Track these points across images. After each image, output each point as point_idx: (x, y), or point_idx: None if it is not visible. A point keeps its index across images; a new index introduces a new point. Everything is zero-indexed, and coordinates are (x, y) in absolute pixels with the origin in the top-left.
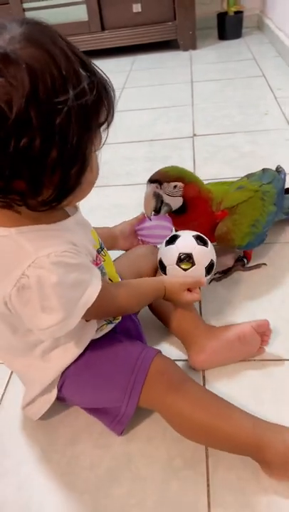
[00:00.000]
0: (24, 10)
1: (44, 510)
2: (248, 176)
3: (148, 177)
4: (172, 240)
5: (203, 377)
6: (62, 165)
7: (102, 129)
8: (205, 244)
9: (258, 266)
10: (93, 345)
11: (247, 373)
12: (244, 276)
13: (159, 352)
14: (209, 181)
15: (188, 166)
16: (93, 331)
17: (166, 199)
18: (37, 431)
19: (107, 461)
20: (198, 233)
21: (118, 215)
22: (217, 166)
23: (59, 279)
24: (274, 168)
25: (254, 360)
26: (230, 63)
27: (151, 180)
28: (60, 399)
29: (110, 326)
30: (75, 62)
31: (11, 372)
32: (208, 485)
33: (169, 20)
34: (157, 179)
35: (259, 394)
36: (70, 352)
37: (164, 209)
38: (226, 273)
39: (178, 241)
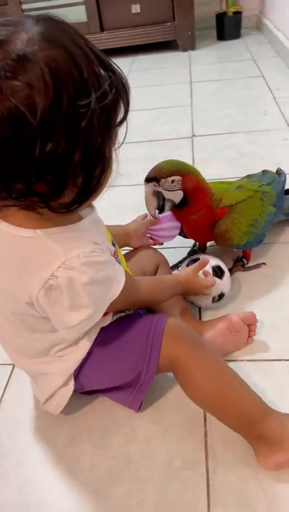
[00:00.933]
0: (23, 11)
1: (44, 511)
2: (248, 177)
3: None
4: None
5: None
6: (86, 167)
7: (117, 129)
8: (220, 276)
9: (257, 266)
10: (104, 328)
11: (247, 373)
12: (244, 276)
13: (171, 316)
14: (209, 181)
15: None
16: (108, 322)
17: (167, 195)
18: (37, 432)
19: (106, 461)
20: (219, 263)
21: (118, 216)
22: (216, 166)
23: (90, 278)
24: (274, 170)
25: (254, 360)
26: (229, 64)
27: (148, 179)
28: (76, 389)
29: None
30: (95, 62)
31: (10, 374)
32: (208, 485)
33: (168, 21)
34: (154, 177)
35: (259, 393)
36: (85, 344)
37: (167, 205)
38: None
39: (181, 267)
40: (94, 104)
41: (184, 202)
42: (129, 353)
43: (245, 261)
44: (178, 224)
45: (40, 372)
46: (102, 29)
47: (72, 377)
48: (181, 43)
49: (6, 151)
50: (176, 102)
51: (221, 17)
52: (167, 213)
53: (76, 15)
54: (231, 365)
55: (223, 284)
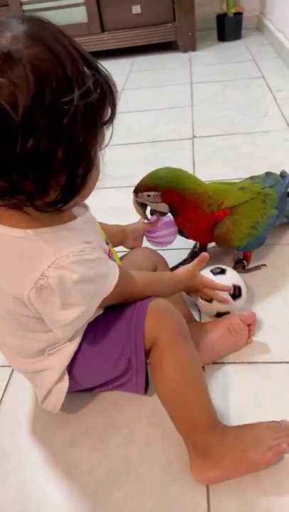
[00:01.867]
0: (24, 12)
1: None
2: (252, 178)
3: None
4: None
5: None
6: (69, 165)
7: (105, 127)
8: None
9: (257, 267)
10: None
11: (247, 375)
12: (244, 278)
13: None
14: (211, 182)
15: (187, 167)
16: (101, 312)
17: (152, 206)
18: (36, 433)
19: (105, 463)
20: (241, 284)
21: (117, 217)
22: (217, 167)
23: (80, 276)
24: (274, 171)
25: (254, 362)
26: (230, 64)
27: (133, 190)
28: (74, 387)
29: None
30: (79, 60)
31: (10, 375)
32: (207, 488)
33: (169, 22)
34: (134, 189)
35: (259, 396)
36: (78, 335)
37: (156, 214)
38: None
39: None
40: (77, 101)
41: (173, 212)
42: (116, 340)
43: (245, 263)
44: (175, 230)
45: (37, 370)
46: (102, 30)
47: (66, 372)
48: (182, 43)
49: None
50: (176, 103)
51: (221, 18)
52: (167, 219)
53: (77, 16)
54: (231, 367)
55: (234, 305)
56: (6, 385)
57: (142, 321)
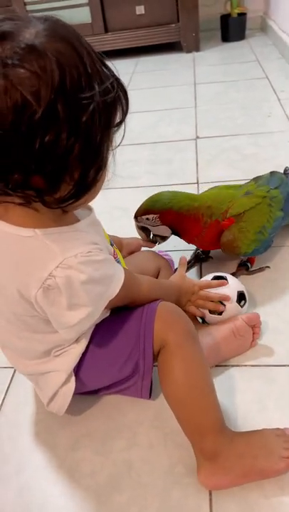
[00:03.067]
0: (27, 12)
1: None
2: (256, 180)
3: (151, 179)
4: None
5: None
6: (84, 162)
7: (115, 129)
8: (239, 302)
9: (261, 269)
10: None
11: (251, 378)
12: (247, 280)
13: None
14: (213, 183)
15: (191, 168)
16: (108, 314)
17: (153, 230)
18: (37, 437)
19: (107, 467)
20: (244, 290)
21: (120, 218)
22: (220, 168)
23: (88, 276)
24: (282, 171)
25: (259, 365)
26: (234, 65)
27: (134, 215)
28: (80, 389)
29: None
30: (98, 61)
31: (12, 377)
32: (210, 492)
33: (172, 22)
34: (134, 214)
35: (263, 399)
36: (85, 337)
37: (158, 239)
38: None
39: None
40: (97, 97)
41: (176, 233)
42: (124, 343)
43: (249, 265)
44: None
45: (42, 371)
46: (106, 30)
47: (73, 374)
48: (186, 44)
49: (7, 138)
50: (180, 104)
51: (225, 18)
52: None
53: (80, 16)
54: (235, 369)
55: (240, 310)
56: (8, 387)
57: (151, 323)
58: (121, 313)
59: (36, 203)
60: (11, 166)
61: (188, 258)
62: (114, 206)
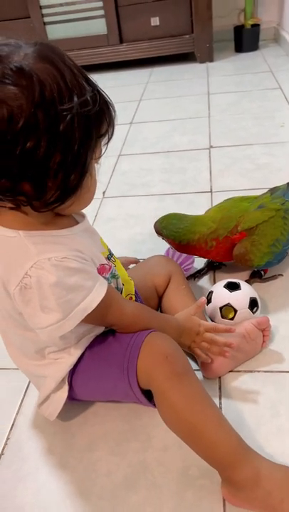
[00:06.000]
0: (45, 24)
1: None
2: (272, 191)
3: (165, 188)
4: (208, 297)
5: (220, 388)
6: (64, 168)
7: (103, 142)
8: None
9: (274, 277)
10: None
11: (263, 384)
12: (260, 287)
13: (155, 331)
14: (226, 192)
15: (204, 177)
16: (101, 331)
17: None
18: (55, 437)
19: (123, 468)
20: (256, 296)
21: (135, 226)
22: (234, 177)
23: (57, 280)
24: None
25: (270, 371)
26: (247, 75)
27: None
28: (75, 398)
29: None
30: (80, 76)
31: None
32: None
33: (187, 33)
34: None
35: (275, 405)
36: (77, 350)
37: (171, 248)
38: None
39: (212, 297)
40: (75, 109)
41: None
42: (109, 371)
43: (262, 273)
44: (193, 259)
45: (37, 374)
46: (121, 41)
47: (66, 383)
48: (199, 54)
49: None
50: (193, 114)
51: (239, 29)
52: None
53: (96, 27)
54: (248, 375)
55: (253, 317)
56: (27, 388)
57: (134, 360)
58: (112, 336)
59: (25, 206)
60: None
61: (202, 265)
62: (129, 214)
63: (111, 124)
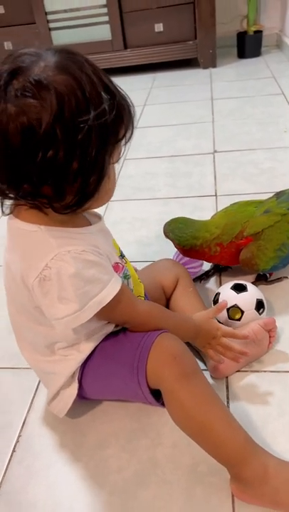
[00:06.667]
0: (50, 29)
1: (74, 510)
2: (278, 195)
3: (170, 192)
4: (215, 299)
5: (227, 388)
6: (82, 174)
7: (121, 144)
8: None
9: (279, 279)
10: (106, 336)
11: (270, 384)
12: (266, 289)
13: (166, 332)
14: (231, 196)
15: (209, 181)
16: (111, 329)
17: None
18: (65, 435)
19: (133, 465)
20: (263, 298)
21: (141, 229)
22: (238, 182)
23: (76, 271)
24: None
25: (277, 371)
26: (250, 81)
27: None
28: (84, 397)
29: None
30: (99, 85)
31: None
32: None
33: (190, 39)
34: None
35: (281, 404)
36: (86, 347)
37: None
38: None
39: (220, 298)
40: (92, 120)
41: None
42: (119, 372)
43: (268, 275)
44: (201, 263)
45: (47, 371)
46: (125, 47)
47: (76, 381)
48: (202, 60)
49: (15, 155)
50: (197, 119)
51: (241, 36)
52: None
53: (101, 33)
54: (254, 375)
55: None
56: (37, 387)
57: (144, 360)
58: (123, 335)
59: (47, 208)
60: (21, 178)
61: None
62: (135, 217)
63: (129, 127)
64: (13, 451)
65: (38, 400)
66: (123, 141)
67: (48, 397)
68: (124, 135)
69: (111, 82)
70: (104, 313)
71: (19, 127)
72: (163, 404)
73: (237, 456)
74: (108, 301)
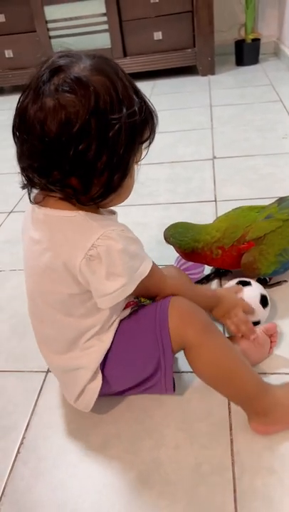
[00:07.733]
0: (50, 37)
1: (78, 511)
2: (280, 201)
3: (170, 197)
4: None
5: None
6: (109, 169)
7: (143, 146)
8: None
9: (279, 283)
10: (121, 321)
11: None
12: None
13: (174, 296)
14: (230, 202)
15: (208, 187)
16: (126, 314)
17: None
18: (69, 437)
19: (137, 465)
20: (266, 293)
21: (142, 233)
22: (237, 188)
23: (124, 247)
24: None
25: (278, 373)
26: (248, 88)
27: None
28: (106, 390)
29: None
30: (130, 89)
31: (44, 380)
32: (234, 490)
33: (189, 47)
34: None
35: None
36: (108, 336)
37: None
38: None
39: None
40: (124, 119)
41: None
42: (142, 343)
43: (267, 279)
44: (202, 268)
45: (70, 368)
46: (125, 55)
47: (100, 372)
48: (201, 68)
49: (50, 144)
50: (196, 125)
51: (239, 44)
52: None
53: (101, 41)
54: None
55: (264, 313)
56: (40, 390)
57: (165, 322)
58: (137, 313)
59: (72, 199)
60: (52, 165)
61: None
62: (136, 222)
63: (153, 131)
64: (18, 452)
65: (40, 404)
66: (146, 144)
67: (72, 396)
68: (148, 137)
69: (139, 89)
70: (142, 285)
71: (57, 119)
72: (174, 390)
73: (256, 390)
74: (147, 272)
